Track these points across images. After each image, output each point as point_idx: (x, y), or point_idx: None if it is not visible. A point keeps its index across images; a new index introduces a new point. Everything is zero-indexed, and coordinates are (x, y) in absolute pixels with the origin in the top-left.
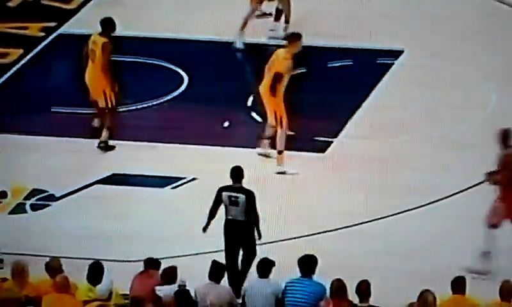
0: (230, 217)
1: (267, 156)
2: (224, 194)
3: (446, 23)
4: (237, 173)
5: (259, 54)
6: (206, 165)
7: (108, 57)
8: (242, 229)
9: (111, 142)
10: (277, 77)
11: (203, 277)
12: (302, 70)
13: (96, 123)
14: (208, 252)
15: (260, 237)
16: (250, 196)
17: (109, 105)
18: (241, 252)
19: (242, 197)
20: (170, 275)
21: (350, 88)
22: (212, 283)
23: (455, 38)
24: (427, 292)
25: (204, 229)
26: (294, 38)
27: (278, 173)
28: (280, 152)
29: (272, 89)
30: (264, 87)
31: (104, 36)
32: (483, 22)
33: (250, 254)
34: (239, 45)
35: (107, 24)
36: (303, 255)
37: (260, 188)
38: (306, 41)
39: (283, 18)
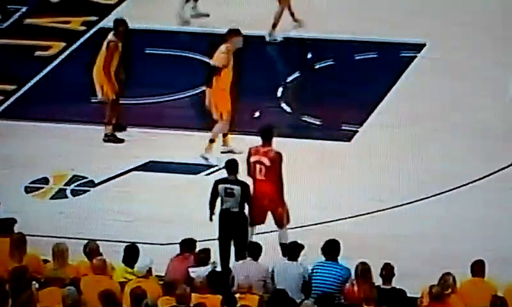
0: (225, 208)
1: (231, 152)
2: (220, 186)
3: (466, 15)
4: (232, 165)
5: (289, 46)
6: (239, 153)
7: (110, 55)
8: (236, 219)
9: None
10: (212, 70)
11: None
12: (330, 63)
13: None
14: None
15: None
16: (245, 187)
17: (104, 100)
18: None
19: (237, 188)
20: (204, 257)
21: (375, 80)
22: (250, 259)
23: (475, 29)
24: (447, 275)
25: (210, 219)
26: (232, 33)
27: (202, 157)
28: (211, 140)
29: (207, 80)
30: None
31: (114, 36)
32: (503, 13)
33: (242, 242)
34: (270, 38)
35: (118, 25)
36: (327, 240)
37: (288, 175)
38: (334, 35)
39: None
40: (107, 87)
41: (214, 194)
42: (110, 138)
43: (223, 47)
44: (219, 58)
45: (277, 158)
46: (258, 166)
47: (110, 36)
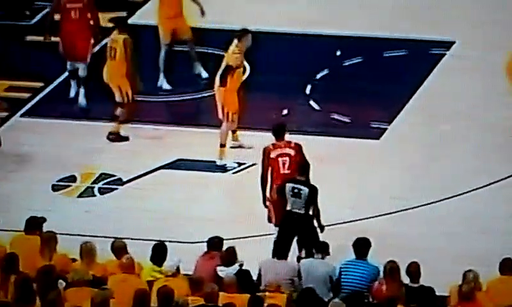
0: (289, 209)
1: (240, 147)
2: (288, 185)
3: (495, 13)
4: (303, 166)
5: (318, 43)
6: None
7: (129, 51)
8: (301, 221)
9: (124, 134)
10: (227, 69)
11: (264, 257)
12: (359, 60)
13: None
14: (269, 234)
15: (322, 230)
16: (313, 190)
17: (125, 100)
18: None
19: (305, 190)
20: (229, 256)
21: (404, 77)
22: (275, 259)
23: (504, 26)
24: (468, 272)
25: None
26: (243, 33)
27: (218, 166)
28: (221, 145)
29: (222, 80)
30: (217, 80)
31: (124, 33)
32: None
33: (312, 243)
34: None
35: (124, 22)
36: (357, 238)
37: (315, 172)
38: (363, 32)
39: None
40: (126, 87)
41: (281, 192)
42: (115, 137)
43: (234, 48)
44: (232, 58)
45: (299, 148)
46: (281, 160)
47: (119, 36)
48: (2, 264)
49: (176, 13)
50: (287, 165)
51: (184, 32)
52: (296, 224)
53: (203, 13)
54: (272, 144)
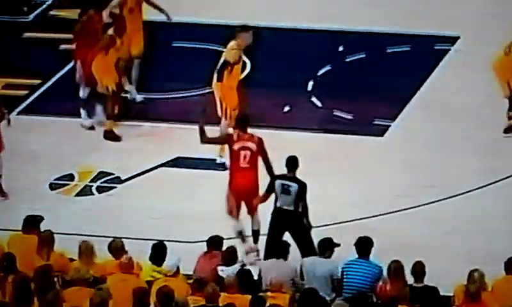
0: (279, 206)
1: None
2: (278, 181)
3: (500, 7)
4: (291, 162)
5: (321, 38)
6: (267, 148)
7: (106, 48)
8: (291, 218)
9: (117, 132)
10: (224, 64)
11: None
12: (361, 55)
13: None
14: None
15: (310, 227)
16: (302, 186)
17: (106, 94)
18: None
19: (294, 186)
20: (230, 255)
21: (407, 73)
22: (275, 259)
23: (509, 22)
24: (473, 271)
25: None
26: (242, 30)
27: (218, 164)
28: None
29: (218, 75)
30: (214, 75)
31: (111, 27)
32: None
33: (305, 240)
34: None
35: (114, 16)
36: (359, 237)
37: (319, 171)
38: (366, 27)
39: None
40: (107, 80)
41: (270, 189)
42: (109, 135)
43: (233, 44)
44: (230, 54)
45: (261, 143)
46: (242, 153)
47: (110, 29)
48: None
49: (133, 28)
50: (247, 159)
51: (135, 48)
52: (286, 221)
53: (168, 17)
54: (237, 135)
